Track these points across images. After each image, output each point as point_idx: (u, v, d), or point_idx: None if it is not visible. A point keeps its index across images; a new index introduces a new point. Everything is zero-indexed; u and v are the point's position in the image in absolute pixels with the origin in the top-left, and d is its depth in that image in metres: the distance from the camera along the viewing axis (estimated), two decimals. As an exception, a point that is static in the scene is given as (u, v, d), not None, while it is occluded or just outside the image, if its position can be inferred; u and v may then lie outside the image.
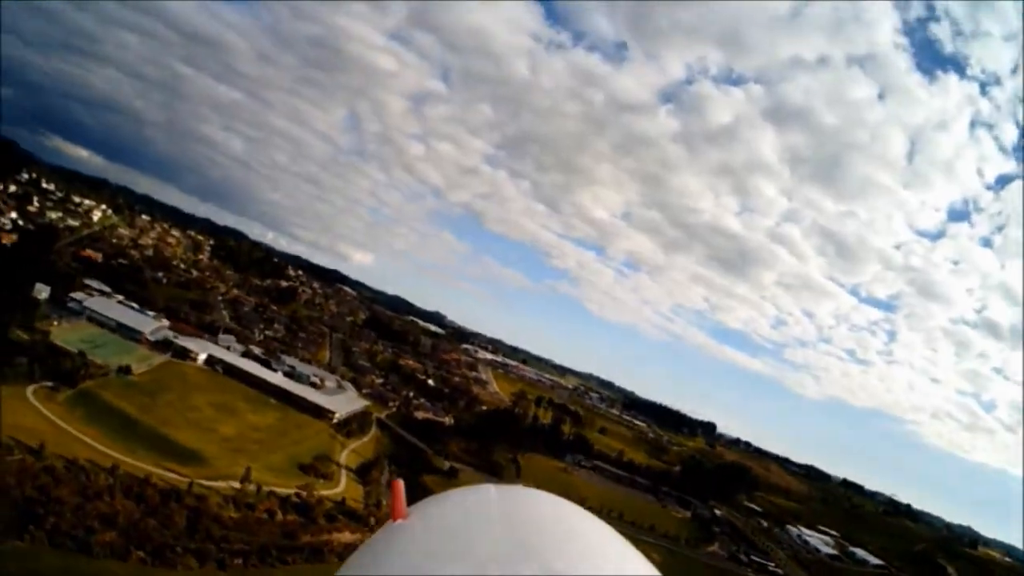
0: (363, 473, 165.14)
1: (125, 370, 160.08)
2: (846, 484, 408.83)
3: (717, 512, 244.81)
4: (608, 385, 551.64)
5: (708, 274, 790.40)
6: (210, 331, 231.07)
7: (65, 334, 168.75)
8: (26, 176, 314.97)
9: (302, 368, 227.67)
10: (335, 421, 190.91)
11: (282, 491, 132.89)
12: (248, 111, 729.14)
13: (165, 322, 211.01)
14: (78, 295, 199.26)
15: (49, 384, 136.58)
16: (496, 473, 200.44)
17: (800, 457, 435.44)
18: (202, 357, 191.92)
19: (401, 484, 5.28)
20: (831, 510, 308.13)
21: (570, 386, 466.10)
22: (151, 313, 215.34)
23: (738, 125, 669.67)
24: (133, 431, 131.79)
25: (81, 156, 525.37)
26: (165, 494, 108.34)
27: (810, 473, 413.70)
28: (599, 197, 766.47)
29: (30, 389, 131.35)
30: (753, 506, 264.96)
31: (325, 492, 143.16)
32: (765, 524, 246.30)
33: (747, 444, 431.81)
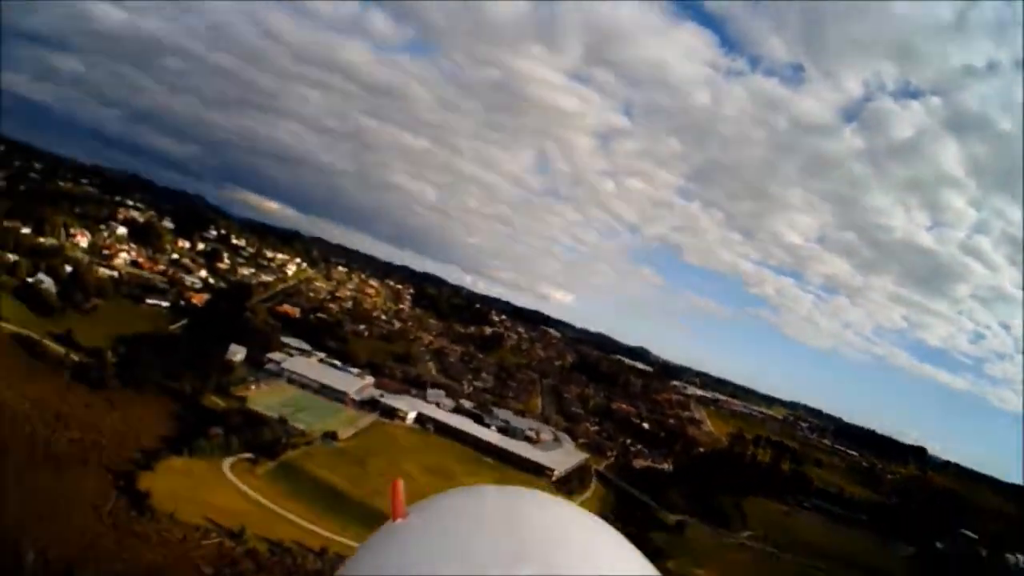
0: None
1: (331, 436, 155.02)
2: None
3: (939, 545, 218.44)
4: (816, 413, 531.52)
5: (905, 292, 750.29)
6: (416, 385, 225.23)
7: (264, 398, 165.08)
8: (215, 232, 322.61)
9: (516, 422, 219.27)
10: (554, 479, 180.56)
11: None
12: (436, 158, 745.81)
13: (369, 379, 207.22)
14: (276, 355, 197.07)
15: (248, 456, 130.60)
16: (724, 523, 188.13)
17: (1009, 476, 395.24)
18: (411, 416, 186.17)
19: (401, 483, 4.91)
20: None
21: (780, 417, 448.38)
22: (354, 370, 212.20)
23: (921, 138, 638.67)
24: (343, 505, 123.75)
25: (271, 209, 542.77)
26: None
27: (1021, 492, 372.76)
28: (793, 222, 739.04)
29: (227, 462, 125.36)
30: (968, 533, 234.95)
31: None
32: (984, 553, 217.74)
33: (956, 466, 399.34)
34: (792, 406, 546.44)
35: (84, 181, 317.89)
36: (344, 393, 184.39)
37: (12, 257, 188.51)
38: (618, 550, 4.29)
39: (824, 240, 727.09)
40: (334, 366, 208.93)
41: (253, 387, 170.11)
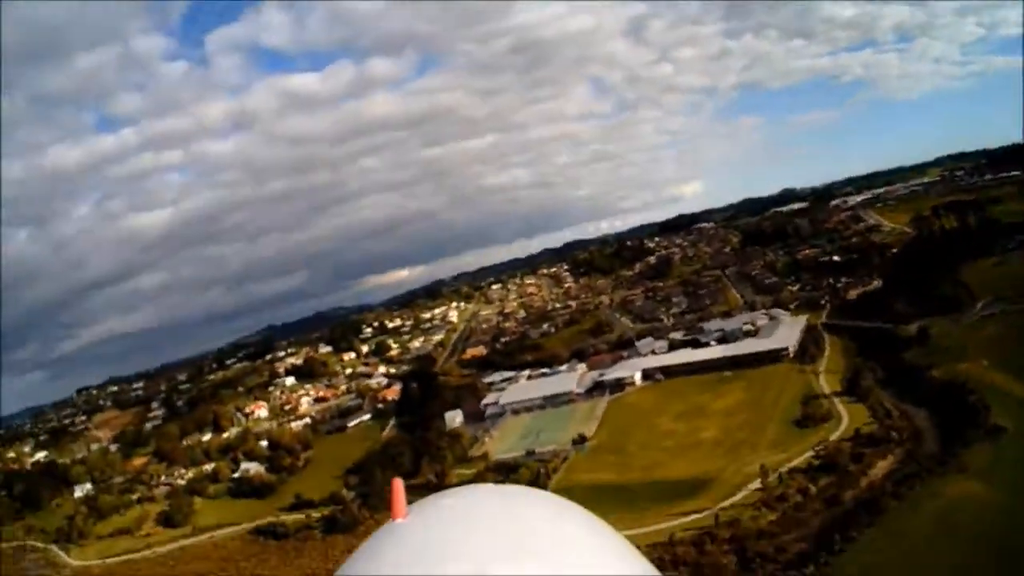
0: (852, 389, 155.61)
1: (580, 440, 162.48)
2: None
3: None
4: (962, 156, 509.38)
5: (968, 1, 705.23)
6: (624, 347, 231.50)
7: (502, 443, 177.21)
8: (368, 329, 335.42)
9: (728, 324, 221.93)
10: (792, 355, 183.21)
11: (799, 462, 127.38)
12: (507, 143, 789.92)
13: (581, 366, 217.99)
14: (489, 399, 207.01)
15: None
16: (956, 307, 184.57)
17: None
18: (637, 377, 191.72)
19: (400, 483, 5.31)
20: None
21: (937, 177, 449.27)
22: (562, 368, 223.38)
23: None
24: (623, 496, 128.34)
25: (401, 278, 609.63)
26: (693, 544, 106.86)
27: None
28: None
29: None
30: None
31: (836, 435, 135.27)
32: None
33: None
34: (939, 163, 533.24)
35: (231, 362, 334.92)
36: (567, 393, 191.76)
37: (208, 468, 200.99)
38: (617, 549, 4.88)
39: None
40: (544, 375, 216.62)
41: (487, 439, 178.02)
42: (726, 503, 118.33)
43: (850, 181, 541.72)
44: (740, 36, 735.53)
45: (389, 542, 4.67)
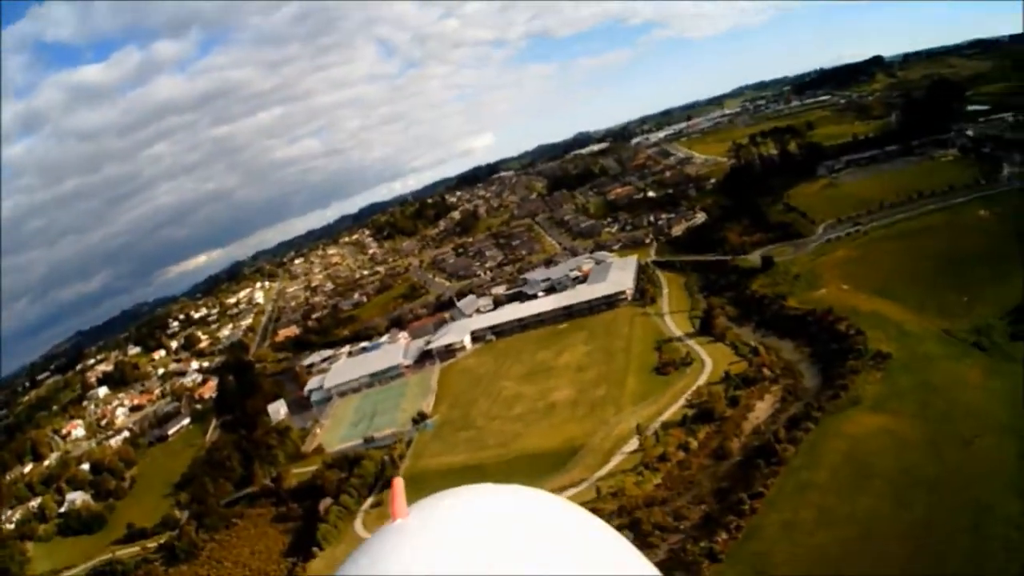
0: (706, 328, 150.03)
1: (420, 418, 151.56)
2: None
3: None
4: (763, 85, 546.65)
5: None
6: (444, 308, 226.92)
7: (334, 432, 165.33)
8: (175, 323, 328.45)
9: (553, 273, 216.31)
10: (630, 298, 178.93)
11: (670, 414, 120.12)
12: (295, 114, 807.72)
13: (403, 335, 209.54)
14: (312, 382, 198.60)
15: (374, 502, 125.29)
16: (796, 235, 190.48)
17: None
18: (467, 341, 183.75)
19: (400, 483, 5.40)
20: None
21: (739, 108, 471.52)
22: (383, 339, 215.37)
23: None
24: (486, 476, 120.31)
25: (199, 264, 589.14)
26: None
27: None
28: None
29: (358, 522, 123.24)
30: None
31: (703, 380, 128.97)
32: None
33: (916, 54, 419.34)
34: (738, 94, 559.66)
35: (43, 377, 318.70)
36: (395, 367, 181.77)
37: (34, 504, 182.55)
38: (617, 549, 4.73)
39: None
40: (365, 350, 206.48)
41: (318, 430, 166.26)
42: (602, 471, 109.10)
43: (644, 120, 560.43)
44: None
45: (389, 542, 4.64)
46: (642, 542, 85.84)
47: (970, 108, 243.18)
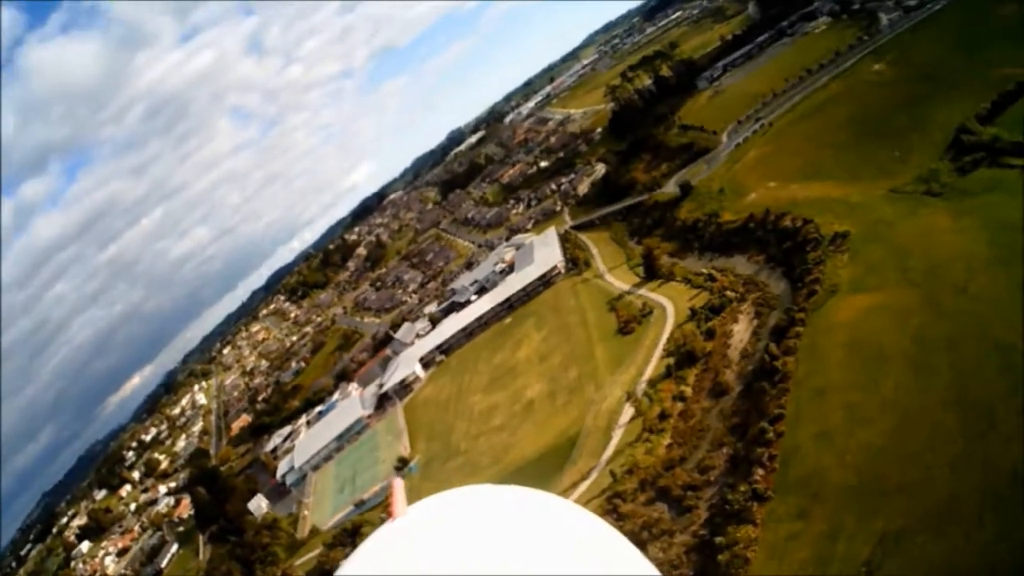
0: (651, 273, 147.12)
1: (403, 464, 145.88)
2: None
3: None
4: (613, 25, 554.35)
5: None
6: (384, 345, 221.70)
7: (320, 509, 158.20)
8: (129, 455, 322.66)
9: (481, 272, 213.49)
10: (564, 271, 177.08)
11: (652, 371, 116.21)
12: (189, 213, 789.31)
13: (354, 387, 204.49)
14: (281, 465, 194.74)
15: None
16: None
17: None
18: (419, 371, 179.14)
19: (400, 483, 5.47)
20: None
21: (599, 53, 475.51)
22: (335, 396, 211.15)
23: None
24: None
25: (135, 385, 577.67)
26: (608, 514, 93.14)
27: None
28: None
29: None
30: None
31: (670, 324, 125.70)
32: None
33: None
34: (590, 41, 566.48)
35: (25, 552, 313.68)
36: (358, 421, 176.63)
37: None
38: (618, 549, 4.61)
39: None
40: (322, 414, 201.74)
41: (305, 513, 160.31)
42: (608, 453, 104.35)
43: (509, 97, 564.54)
44: (354, 8, 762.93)
45: (388, 542, 4.58)
46: (678, 508, 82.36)
47: None
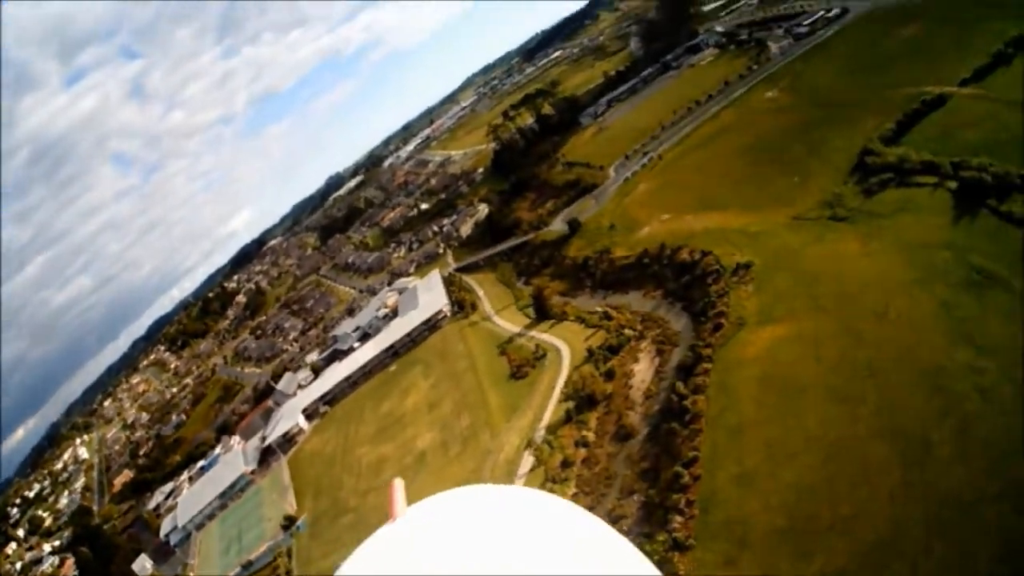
0: (542, 314, 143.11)
1: (289, 523, 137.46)
2: None
3: None
4: (491, 68, 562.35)
5: None
6: (258, 401, 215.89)
7: (208, 566, 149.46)
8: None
9: (364, 319, 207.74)
10: (450, 314, 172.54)
11: (550, 416, 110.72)
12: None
13: (237, 442, 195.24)
14: (164, 525, 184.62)
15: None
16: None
17: None
18: (302, 423, 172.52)
19: (399, 483, 5.28)
20: None
21: (478, 93, 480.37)
22: (217, 451, 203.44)
23: None
24: None
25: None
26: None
27: None
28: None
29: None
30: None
31: (566, 368, 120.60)
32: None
33: None
34: (469, 83, 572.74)
35: None
36: (241, 477, 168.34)
37: None
38: (617, 549, 4.55)
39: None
40: (203, 470, 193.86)
41: (191, 574, 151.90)
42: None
43: (388, 140, 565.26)
44: (238, 52, 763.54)
45: (387, 543, 4.47)
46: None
47: (706, 8, 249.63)
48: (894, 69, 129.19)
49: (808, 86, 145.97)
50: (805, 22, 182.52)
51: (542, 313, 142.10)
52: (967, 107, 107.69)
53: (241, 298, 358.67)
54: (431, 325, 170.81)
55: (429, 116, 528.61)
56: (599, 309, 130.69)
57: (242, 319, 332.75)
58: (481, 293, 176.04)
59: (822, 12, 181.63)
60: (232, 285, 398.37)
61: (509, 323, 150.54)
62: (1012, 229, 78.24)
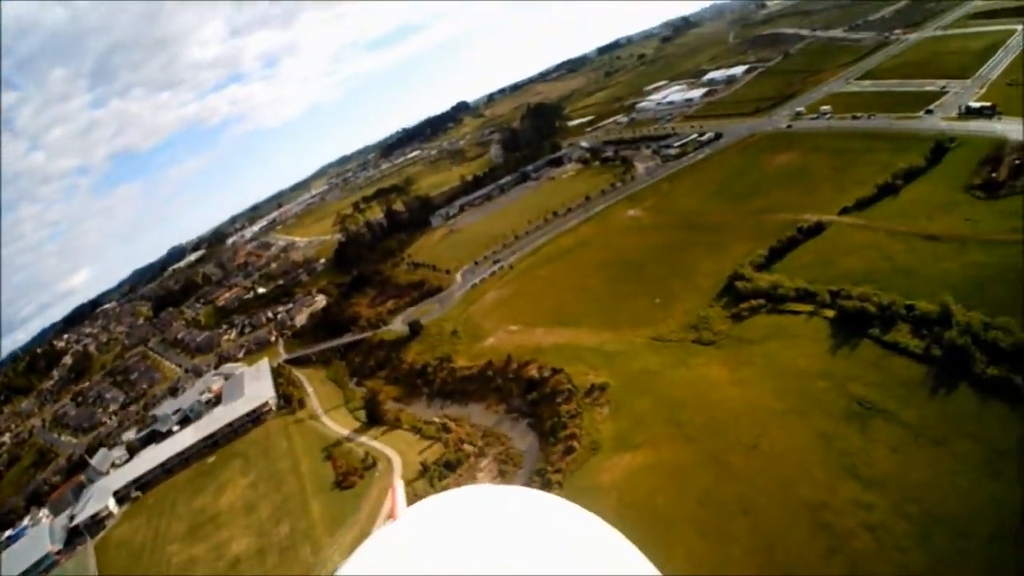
0: (374, 418, 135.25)
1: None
2: None
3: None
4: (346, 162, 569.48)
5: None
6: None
7: None
8: None
9: (181, 400, 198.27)
10: (276, 411, 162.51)
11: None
12: None
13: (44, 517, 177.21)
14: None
15: None
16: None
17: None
18: (112, 506, 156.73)
19: (399, 483, 5.70)
20: None
21: (322, 188, 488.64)
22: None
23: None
24: None
25: None
26: None
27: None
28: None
29: None
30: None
31: (399, 477, 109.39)
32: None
33: None
34: (323, 172, 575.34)
35: None
36: (46, 557, 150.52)
37: None
38: (618, 548, 4.71)
39: None
40: (11, 541, 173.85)
41: None
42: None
43: (235, 219, 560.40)
44: (107, 103, 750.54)
45: (387, 543, 4.72)
46: None
47: (572, 123, 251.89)
48: (767, 196, 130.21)
49: (674, 207, 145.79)
50: (675, 144, 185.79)
51: (374, 418, 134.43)
52: (847, 236, 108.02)
53: (68, 359, 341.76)
54: (255, 417, 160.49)
55: (279, 200, 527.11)
56: (437, 420, 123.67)
57: (67, 381, 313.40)
58: (311, 389, 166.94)
59: (694, 135, 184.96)
60: (61, 344, 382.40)
61: (338, 425, 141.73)
62: (897, 359, 76.51)
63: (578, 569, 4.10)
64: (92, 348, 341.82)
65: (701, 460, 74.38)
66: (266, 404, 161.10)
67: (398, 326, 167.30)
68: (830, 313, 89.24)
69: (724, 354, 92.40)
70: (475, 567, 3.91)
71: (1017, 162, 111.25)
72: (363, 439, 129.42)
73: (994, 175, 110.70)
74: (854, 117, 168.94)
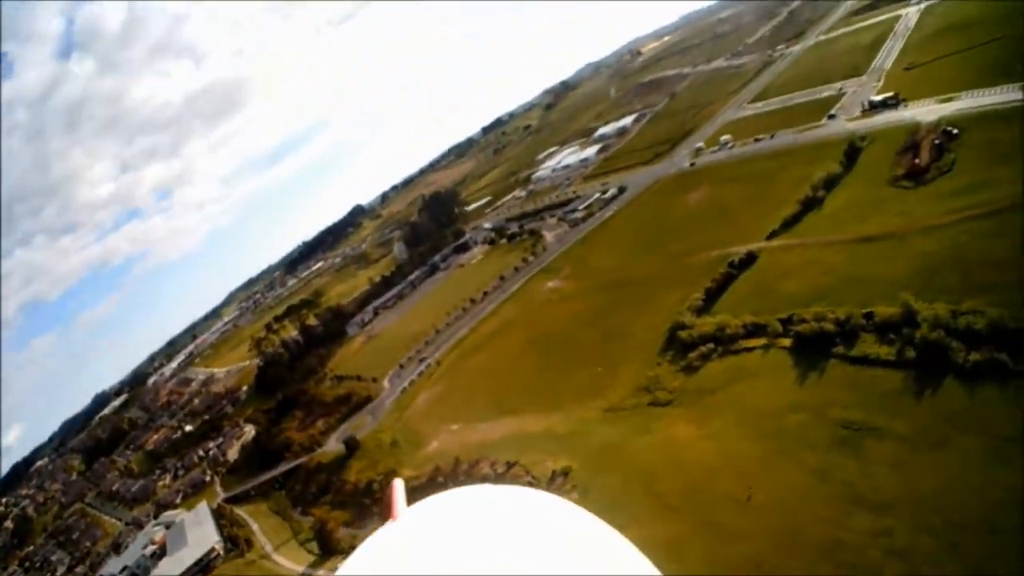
0: (326, 547, 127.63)
1: None
2: None
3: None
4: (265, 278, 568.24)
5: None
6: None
7: None
8: None
9: (124, 558, 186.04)
10: (225, 556, 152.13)
11: None
12: None
13: None
14: None
15: None
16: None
17: None
18: None
19: (399, 484, 5.52)
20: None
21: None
22: None
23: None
24: None
25: None
26: None
27: None
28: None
29: None
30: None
31: None
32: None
33: None
34: (231, 298, 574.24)
35: None
36: None
37: None
38: (619, 549, 4.53)
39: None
40: None
41: None
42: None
43: (152, 358, 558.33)
44: (11, 254, 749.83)
45: (387, 543, 4.58)
46: None
47: (471, 207, 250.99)
48: (687, 238, 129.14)
49: (594, 270, 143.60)
50: (580, 207, 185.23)
51: (327, 548, 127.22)
52: (782, 259, 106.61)
53: (9, 524, 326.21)
54: (204, 566, 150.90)
55: (192, 332, 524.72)
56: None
57: (10, 548, 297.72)
58: (255, 526, 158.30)
59: (597, 194, 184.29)
60: (1, 509, 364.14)
61: (291, 561, 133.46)
62: (870, 371, 74.20)
63: (578, 569, 3.97)
64: (31, 510, 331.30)
65: (692, 528, 69.20)
66: (213, 550, 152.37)
67: (333, 445, 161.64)
68: (786, 342, 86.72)
69: (686, 411, 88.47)
70: (475, 567, 3.84)
71: (937, 141, 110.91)
72: (320, 573, 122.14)
73: (916, 161, 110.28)
74: (757, 140, 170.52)
